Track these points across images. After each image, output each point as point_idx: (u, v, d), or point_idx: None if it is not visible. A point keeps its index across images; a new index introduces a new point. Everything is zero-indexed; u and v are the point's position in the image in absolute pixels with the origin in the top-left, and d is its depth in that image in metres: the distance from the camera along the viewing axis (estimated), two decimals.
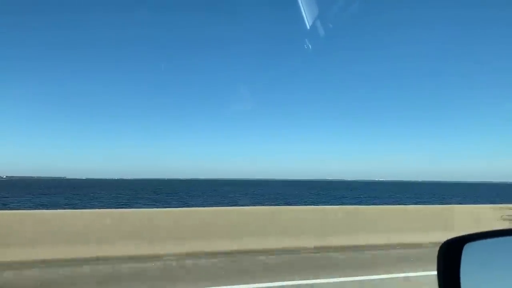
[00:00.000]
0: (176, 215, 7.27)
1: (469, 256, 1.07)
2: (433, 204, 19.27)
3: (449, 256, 1.10)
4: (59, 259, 5.81)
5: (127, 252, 6.07)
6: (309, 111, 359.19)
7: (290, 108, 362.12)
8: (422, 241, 7.35)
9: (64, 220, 6.46)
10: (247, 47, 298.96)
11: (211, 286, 4.94)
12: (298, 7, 9.39)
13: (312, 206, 17.34)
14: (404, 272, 5.55)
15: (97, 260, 5.91)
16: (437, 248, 1.12)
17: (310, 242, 7.04)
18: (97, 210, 6.29)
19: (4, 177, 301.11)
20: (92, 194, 55.16)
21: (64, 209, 19.12)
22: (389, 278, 5.30)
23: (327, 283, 5.09)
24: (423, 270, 5.43)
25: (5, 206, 31.56)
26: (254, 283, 5.06)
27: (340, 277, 5.34)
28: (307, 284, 5.01)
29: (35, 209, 25.27)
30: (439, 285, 1.08)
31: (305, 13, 9.66)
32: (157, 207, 21.43)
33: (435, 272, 1.09)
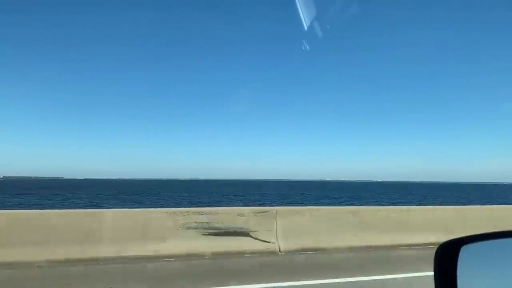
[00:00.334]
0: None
1: (466, 258, 1.07)
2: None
3: (446, 258, 1.09)
4: None
5: None
6: (307, 111, 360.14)
7: (288, 108, 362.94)
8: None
9: None
10: (245, 48, 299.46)
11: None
12: (296, 8, 9.39)
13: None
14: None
15: None
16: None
17: None
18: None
19: (1, 177, 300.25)
20: (70, 195, 53.15)
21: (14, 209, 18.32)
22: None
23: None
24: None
25: None
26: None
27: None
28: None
29: None
30: (436, 287, 1.08)
31: (302, 14, 9.67)
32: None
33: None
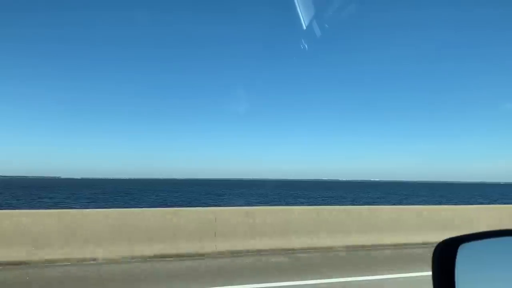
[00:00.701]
0: None
1: (464, 256, 1.07)
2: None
3: (444, 257, 1.09)
4: None
5: None
6: (305, 111, 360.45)
7: (286, 108, 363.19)
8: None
9: None
10: (244, 47, 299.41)
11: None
12: (294, 7, 9.38)
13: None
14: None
15: None
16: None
17: None
18: None
19: None
20: (45, 194, 52.19)
21: None
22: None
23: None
24: None
25: None
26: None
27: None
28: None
29: None
30: (434, 286, 1.08)
31: (301, 13, 9.65)
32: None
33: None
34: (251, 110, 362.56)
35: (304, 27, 10.33)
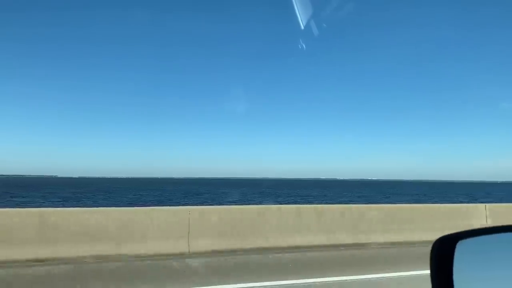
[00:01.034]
0: None
1: (462, 253, 1.07)
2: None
3: (442, 254, 1.09)
4: None
5: None
6: (304, 110, 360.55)
7: (285, 107, 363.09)
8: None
9: None
10: (242, 47, 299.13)
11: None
12: (292, 7, 9.38)
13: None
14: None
15: None
16: None
17: None
18: None
19: None
20: (23, 193, 51.02)
21: None
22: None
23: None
24: None
25: None
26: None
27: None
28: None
29: None
30: (432, 282, 1.07)
31: (299, 13, 9.66)
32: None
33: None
34: (250, 109, 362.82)
35: (302, 27, 10.33)
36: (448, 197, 56.02)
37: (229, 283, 4.90)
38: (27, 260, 5.62)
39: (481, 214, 8.10)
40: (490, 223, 7.81)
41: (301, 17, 9.76)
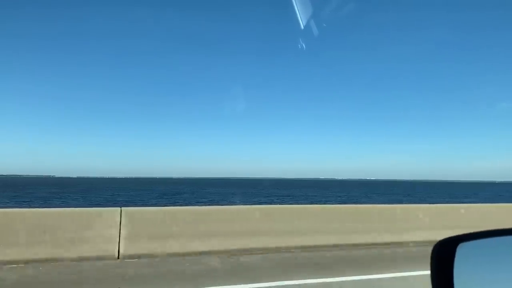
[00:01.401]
0: None
1: (462, 256, 1.06)
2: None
3: (443, 256, 1.09)
4: None
5: None
6: (303, 109, 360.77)
7: (283, 107, 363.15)
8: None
9: None
10: (242, 46, 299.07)
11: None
12: (292, 6, 9.36)
13: None
14: None
15: None
16: None
17: None
18: None
19: None
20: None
21: None
22: None
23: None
24: None
25: None
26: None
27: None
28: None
29: None
30: (432, 285, 1.07)
31: (299, 12, 9.64)
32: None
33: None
34: (249, 109, 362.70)
35: (302, 26, 10.31)
36: (423, 196, 55.74)
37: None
38: None
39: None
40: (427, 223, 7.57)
41: (301, 16, 9.75)
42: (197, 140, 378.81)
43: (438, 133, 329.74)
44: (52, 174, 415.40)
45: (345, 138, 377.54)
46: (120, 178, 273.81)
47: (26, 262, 5.53)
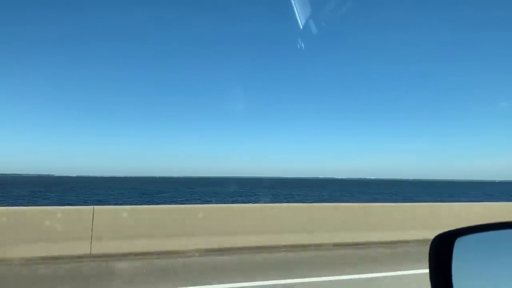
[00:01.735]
0: None
1: (460, 250, 1.06)
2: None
3: (441, 251, 1.08)
4: None
5: None
6: (303, 109, 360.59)
7: (283, 107, 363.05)
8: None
9: None
10: (241, 46, 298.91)
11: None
12: (291, 6, 9.33)
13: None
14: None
15: None
16: None
17: None
18: None
19: None
20: None
21: None
22: None
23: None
24: None
25: None
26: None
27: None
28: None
29: None
30: (431, 280, 1.07)
31: (297, 12, 9.61)
32: None
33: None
34: (249, 109, 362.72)
35: (301, 26, 10.28)
36: (414, 195, 55.79)
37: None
38: None
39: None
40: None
41: (300, 16, 9.73)
42: (197, 140, 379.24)
43: (438, 132, 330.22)
44: (51, 173, 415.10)
45: (345, 138, 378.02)
46: (120, 177, 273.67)
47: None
